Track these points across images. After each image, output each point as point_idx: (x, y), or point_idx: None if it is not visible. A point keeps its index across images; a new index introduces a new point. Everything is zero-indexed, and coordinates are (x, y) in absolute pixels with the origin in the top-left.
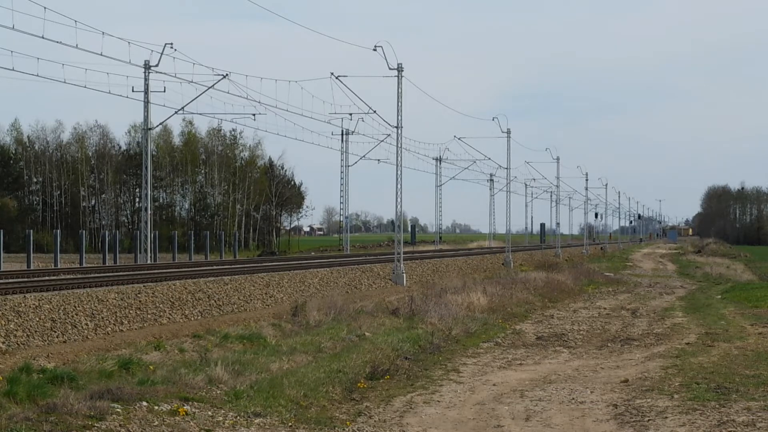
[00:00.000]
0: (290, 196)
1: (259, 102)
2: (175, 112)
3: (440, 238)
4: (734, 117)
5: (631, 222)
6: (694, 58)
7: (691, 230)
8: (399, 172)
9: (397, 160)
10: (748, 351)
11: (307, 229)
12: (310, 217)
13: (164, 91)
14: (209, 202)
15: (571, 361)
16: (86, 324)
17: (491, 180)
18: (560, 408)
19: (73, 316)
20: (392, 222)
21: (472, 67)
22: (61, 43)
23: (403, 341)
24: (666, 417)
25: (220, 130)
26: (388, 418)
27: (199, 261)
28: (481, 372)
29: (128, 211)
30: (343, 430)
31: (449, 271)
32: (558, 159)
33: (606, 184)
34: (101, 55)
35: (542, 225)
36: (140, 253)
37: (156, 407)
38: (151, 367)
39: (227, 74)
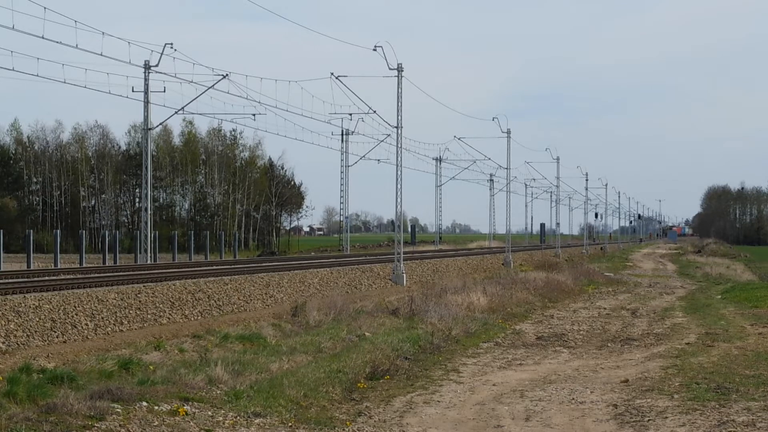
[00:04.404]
0: (290, 196)
1: (259, 102)
2: (175, 112)
3: (440, 238)
4: (734, 117)
5: (631, 222)
6: (694, 58)
7: (685, 229)
8: (399, 172)
9: (397, 160)
10: (748, 351)
11: (307, 229)
12: (310, 217)
13: (164, 91)
14: (209, 202)
15: (571, 361)
16: (86, 324)
17: (491, 180)
18: (560, 408)
19: (73, 316)
20: (392, 222)
21: (472, 67)
22: (61, 43)
23: (403, 341)
24: (666, 417)
25: (220, 130)
26: (388, 418)
27: (199, 261)
28: (481, 372)
29: (128, 211)
30: (343, 430)
31: (449, 271)
32: (558, 159)
33: (606, 184)
34: (101, 55)
35: (542, 225)
36: (140, 253)
37: (156, 407)
38: (151, 367)
39: (227, 74)
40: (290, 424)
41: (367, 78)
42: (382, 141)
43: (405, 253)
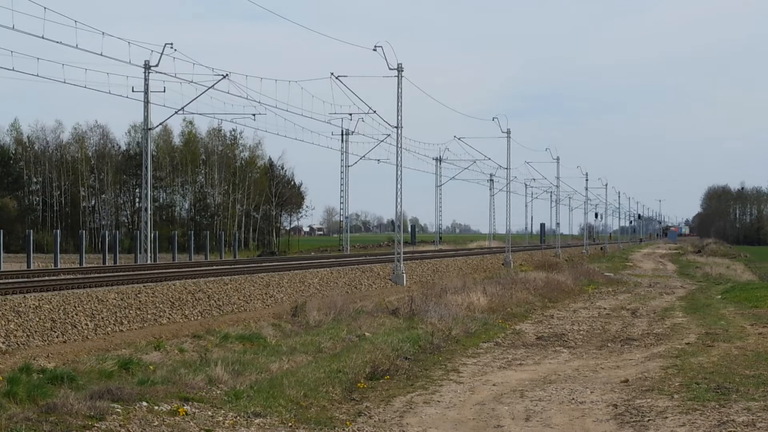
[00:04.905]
0: (290, 196)
1: (259, 102)
2: (175, 112)
3: (440, 238)
4: (734, 117)
5: (631, 222)
6: (694, 58)
7: (682, 228)
8: (399, 172)
9: (397, 160)
10: (748, 351)
11: (307, 229)
12: (310, 217)
13: (164, 91)
14: (209, 202)
15: (571, 361)
16: (86, 324)
17: (491, 180)
18: (560, 408)
19: (73, 316)
20: (392, 222)
21: (472, 67)
22: (61, 43)
23: (403, 341)
24: (666, 417)
25: (220, 130)
26: (388, 418)
27: (199, 261)
28: (481, 372)
29: (128, 211)
30: (343, 430)
31: (449, 271)
32: (558, 159)
33: (606, 184)
34: (101, 55)
35: (542, 225)
36: (140, 253)
37: (156, 407)
38: (151, 367)
39: (227, 74)
40: (290, 424)
41: (367, 78)
42: (382, 141)
43: (405, 253)
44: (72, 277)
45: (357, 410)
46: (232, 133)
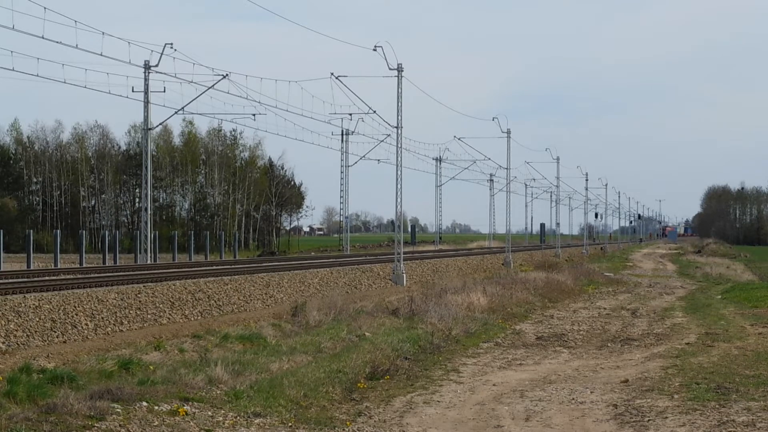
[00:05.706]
0: (290, 196)
1: (259, 102)
2: (175, 112)
3: (440, 238)
4: (734, 117)
5: (631, 222)
6: (694, 58)
7: (677, 228)
8: (399, 172)
9: (397, 160)
10: (748, 351)
11: (307, 229)
12: (310, 217)
13: (164, 91)
14: (209, 202)
15: (571, 361)
16: (86, 324)
17: (491, 180)
18: (560, 408)
19: (73, 316)
20: (392, 222)
21: (472, 67)
22: (61, 43)
23: (403, 341)
24: (666, 417)
25: (220, 130)
26: (388, 418)
27: (199, 261)
28: (481, 372)
29: (128, 211)
30: (343, 430)
31: (449, 271)
32: (558, 159)
33: (606, 184)
34: (101, 55)
35: (542, 225)
36: (140, 253)
37: (156, 407)
38: (151, 367)
39: (227, 74)
40: (290, 424)
41: (367, 78)
42: (382, 141)
43: (405, 253)
44: (72, 277)
45: (357, 410)
46: (232, 133)
